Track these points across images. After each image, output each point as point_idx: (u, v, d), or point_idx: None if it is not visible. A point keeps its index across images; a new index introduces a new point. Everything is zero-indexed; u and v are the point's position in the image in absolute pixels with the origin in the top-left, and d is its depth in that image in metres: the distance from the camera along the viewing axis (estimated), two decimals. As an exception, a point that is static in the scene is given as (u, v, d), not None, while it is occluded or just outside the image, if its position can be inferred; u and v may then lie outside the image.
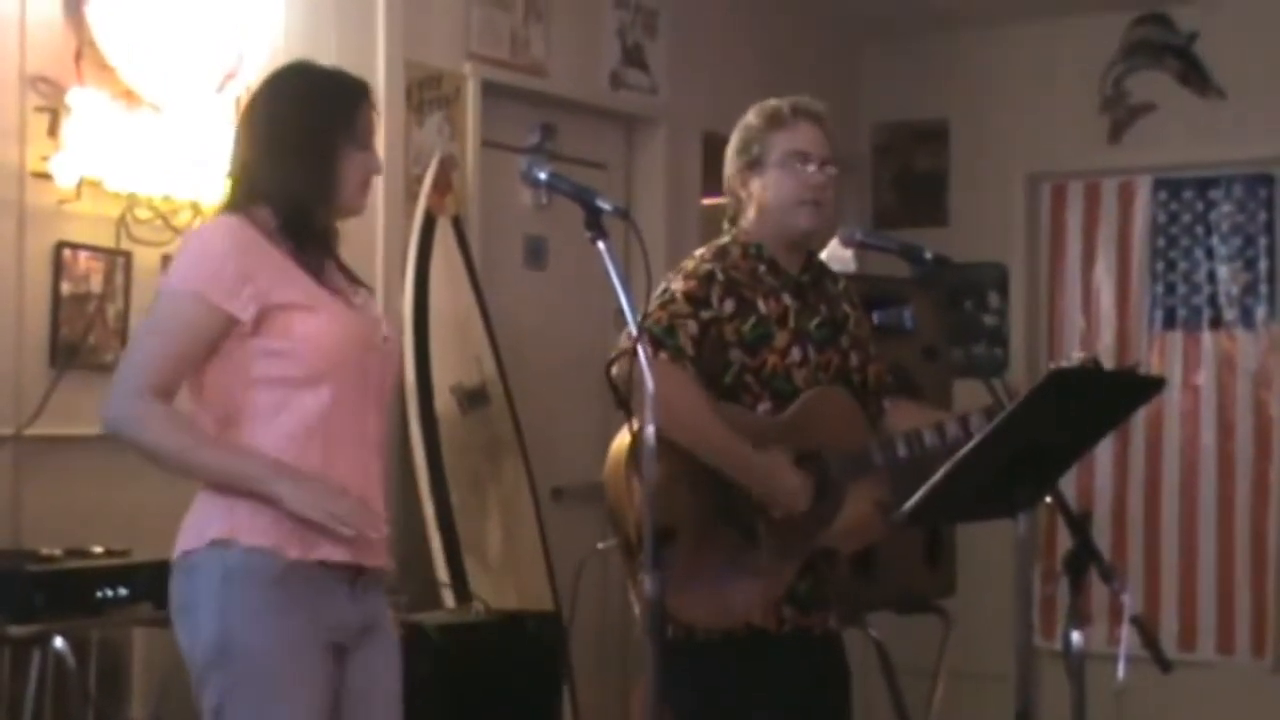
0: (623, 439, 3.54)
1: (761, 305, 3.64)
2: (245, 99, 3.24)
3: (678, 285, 3.62)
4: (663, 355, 3.49)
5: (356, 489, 3.04)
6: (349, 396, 3.04)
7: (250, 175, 3.09)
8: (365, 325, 3.12)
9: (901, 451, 3.62)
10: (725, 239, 3.74)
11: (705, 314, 3.58)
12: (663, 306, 3.58)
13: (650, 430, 2.95)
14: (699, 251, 3.74)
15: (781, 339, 3.64)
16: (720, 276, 3.63)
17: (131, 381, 2.96)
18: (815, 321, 3.71)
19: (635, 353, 2.98)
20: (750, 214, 3.72)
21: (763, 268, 3.68)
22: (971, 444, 3.05)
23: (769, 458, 3.54)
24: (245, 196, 3.08)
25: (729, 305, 3.61)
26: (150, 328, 3.06)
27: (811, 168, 3.66)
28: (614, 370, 3.42)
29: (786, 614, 3.61)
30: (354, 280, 3.21)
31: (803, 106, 3.72)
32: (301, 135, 3.07)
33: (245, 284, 2.95)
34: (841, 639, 3.83)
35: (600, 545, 3.90)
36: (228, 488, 2.96)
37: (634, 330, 2.98)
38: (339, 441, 3.03)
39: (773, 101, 3.74)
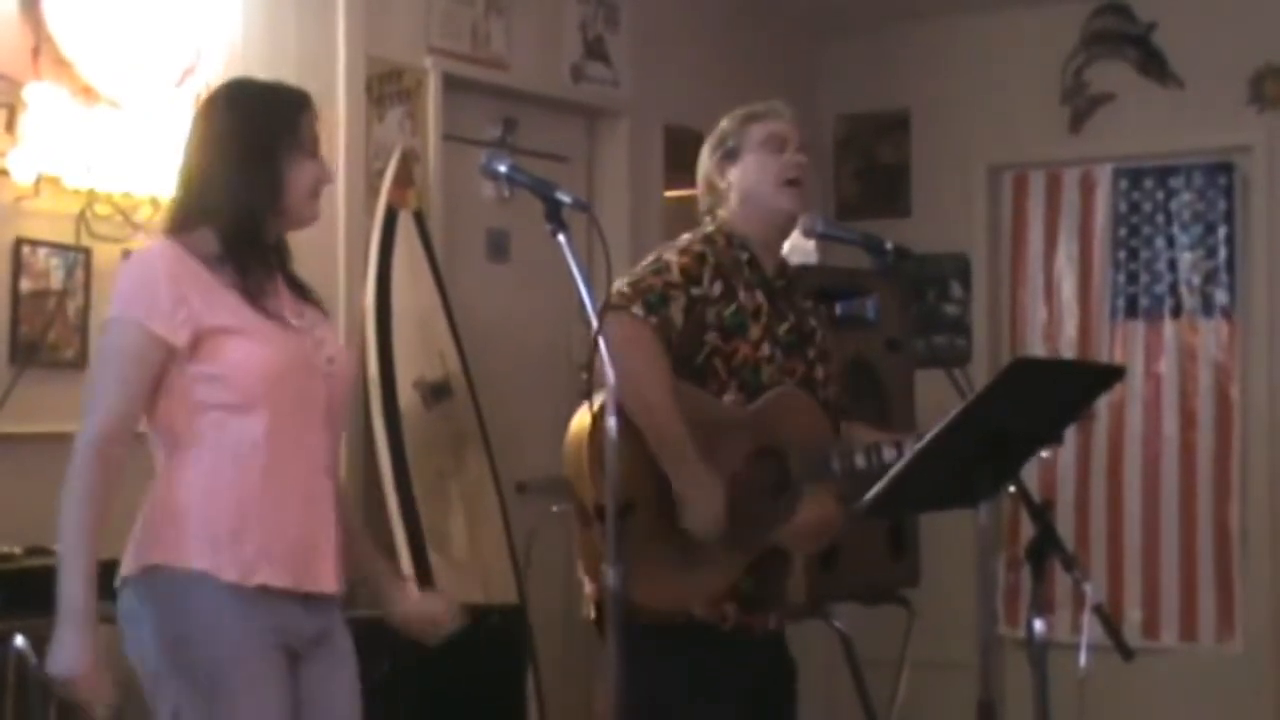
0: (595, 406, 3.53)
1: (742, 295, 3.65)
2: (194, 109, 3.21)
3: (672, 257, 3.62)
4: (652, 319, 3.47)
5: (300, 512, 3.03)
6: (288, 421, 3.02)
7: (194, 192, 3.07)
8: (304, 349, 3.08)
9: (860, 462, 3.60)
10: (709, 228, 3.75)
11: (695, 291, 3.58)
12: (656, 273, 3.57)
13: (612, 422, 2.96)
14: (685, 236, 3.74)
15: (755, 332, 3.65)
16: (711, 259, 3.64)
17: (90, 431, 2.95)
18: (784, 327, 3.72)
19: (596, 341, 2.99)
20: (732, 203, 3.74)
21: (745, 257, 3.70)
22: (933, 433, 3.05)
23: (704, 475, 3.47)
24: (187, 218, 3.06)
25: (717, 288, 3.61)
26: (103, 360, 3.05)
27: (788, 153, 3.72)
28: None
29: (728, 611, 3.59)
30: (306, 298, 3.19)
31: (775, 106, 3.80)
32: (245, 146, 3.05)
33: (180, 308, 2.94)
34: (784, 639, 3.81)
35: (555, 509, 3.89)
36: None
37: (596, 325, 2.99)
38: (280, 465, 3.01)
39: (745, 106, 3.81)
